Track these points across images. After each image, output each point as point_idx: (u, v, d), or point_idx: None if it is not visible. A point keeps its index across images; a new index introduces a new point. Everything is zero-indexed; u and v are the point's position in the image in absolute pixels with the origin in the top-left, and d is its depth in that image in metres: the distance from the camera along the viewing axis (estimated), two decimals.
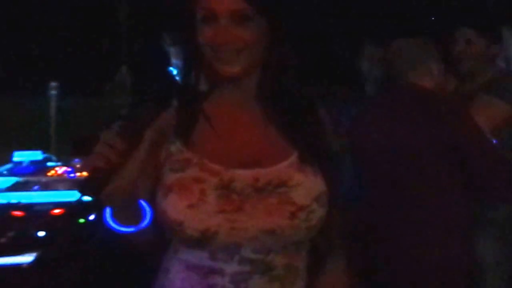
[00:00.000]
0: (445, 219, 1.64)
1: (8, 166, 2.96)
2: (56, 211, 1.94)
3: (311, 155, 1.07)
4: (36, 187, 2.42)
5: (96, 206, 2.00)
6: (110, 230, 1.00)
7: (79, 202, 2.15)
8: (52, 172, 2.82)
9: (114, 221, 0.96)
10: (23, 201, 2.20)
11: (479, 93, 2.08)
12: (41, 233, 1.64)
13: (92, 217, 1.94)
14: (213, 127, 1.10)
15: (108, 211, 0.94)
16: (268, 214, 1.01)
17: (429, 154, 1.65)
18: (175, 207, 0.97)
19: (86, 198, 2.05)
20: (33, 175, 2.70)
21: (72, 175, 2.74)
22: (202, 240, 1.01)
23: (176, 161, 1.04)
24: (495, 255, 2.02)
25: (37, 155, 3.12)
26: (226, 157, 1.04)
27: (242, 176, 1.01)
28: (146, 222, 0.97)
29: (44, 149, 3.33)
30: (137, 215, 0.98)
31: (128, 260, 1.09)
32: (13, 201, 2.20)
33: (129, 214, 0.96)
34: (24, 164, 2.98)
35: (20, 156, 3.06)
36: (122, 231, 0.95)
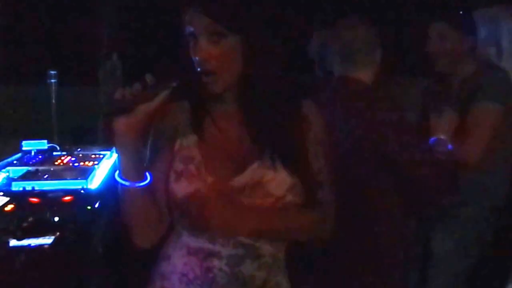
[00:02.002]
0: (376, 212, 1.76)
1: (18, 155, 3.09)
2: (67, 198, 2.15)
3: (281, 152, 1.26)
4: (46, 176, 2.56)
5: (100, 195, 2.27)
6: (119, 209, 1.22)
7: (85, 190, 2.38)
8: (59, 161, 2.98)
9: (120, 177, 1.20)
10: (37, 188, 2.38)
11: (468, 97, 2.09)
12: (56, 218, 1.86)
13: (97, 204, 2.18)
14: (218, 129, 1.28)
15: (117, 171, 1.20)
16: (253, 204, 1.22)
17: (356, 151, 1.70)
18: (185, 189, 1.22)
19: (91, 187, 2.31)
20: (42, 164, 2.83)
21: (76, 164, 2.90)
22: (205, 221, 1.20)
23: (184, 155, 1.27)
24: (448, 249, 2.18)
25: (43, 144, 3.20)
26: (216, 168, 1.24)
27: (228, 185, 1.23)
28: (143, 184, 1.21)
29: (46, 138, 3.34)
30: (137, 176, 1.21)
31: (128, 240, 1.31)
32: (28, 188, 2.39)
33: (134, 171, 1.19)
34: (32, 154, 3.10)
35: (28, 146, 3.16)
36: (125, 184, 1.20)
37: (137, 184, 1.22)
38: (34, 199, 2.13)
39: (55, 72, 3.91)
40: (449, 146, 1.92)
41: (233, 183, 1.24)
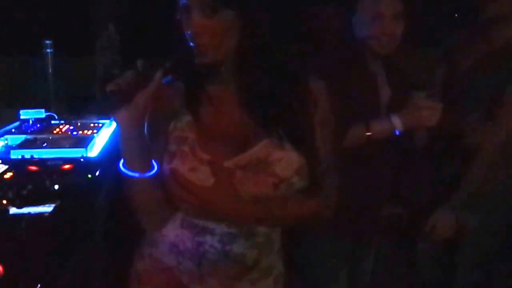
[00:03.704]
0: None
1: (16, 124, 3.00)
2: (66, 166, 2.07)
3: (289, 131, 1.18)
4: (44, 144, 2.47)
5: (100, 163, 2.18)
6: (120, 177, 1.17)
7: (85, 159, 2.29)
8: (57, 130, 2.89)
9: (125, 168, 1.15)
10: (36, 156, 2.30)
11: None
12: (56, 187, 1.78)
13: (97, 173, 2.10)
14: (217, 109, 1.20)
15: (122, 160, 1.13)
16: (254, 184, 1.16)
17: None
18: (180, 169, 1.14)
19: (90, 155, 2.22)
20: (40, 133, 2.74)
21: (74, 133, 2.81)
22: (202, 199, 1.15)
23: (178, 136, 1.20)
24: (476, 226, 2.11)
25: (41, 113, 3.12)
26: (213, 146, 1.17)
27: (228, 164, 1.15)
28: (151, 173, 1.15)
29: (44, 107, 3.24)
30: (144, 166, 1.15)
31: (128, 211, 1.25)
32: (27, 156, 2.31)
33: (140, 161, 1.14)
34: (30, 122, 3.02)
35: (26, 114, 3.08)
36: (131, 175, 1.14)
37: (145, 175, 1.15)
38: (33, 167, 2.04)
39: (51, 41, 3.81)
40: None
41: (236, 160, 1.16)
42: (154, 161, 1.19)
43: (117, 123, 1.10)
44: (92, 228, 1.93)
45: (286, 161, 1.17)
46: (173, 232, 1.24)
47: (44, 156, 2.29)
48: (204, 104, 1.22)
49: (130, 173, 1.15)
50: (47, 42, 3.80)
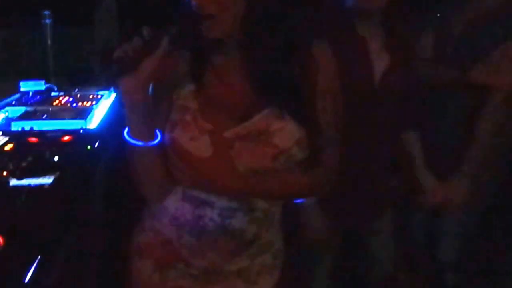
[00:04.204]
0: None
1: (16, 96, 2.99)
2: (66, 138, 2.06)
3: (289, 101, 1.15)
4: (44, 116, 2.47)
5: (99, 135, 2.17)
6: (121, 147, 1.16)
7: (84, 130, 2.28)
8: (57, 101, 2.87)
9: (130, 136, 1.13)
10: (35, 128, 2.29)
11: None
12: (56, 158, 1.78)
13: (96, 144, 2.09)
14: (220, 78, 1.18)
15: (126, 129, 1.12)
16: (252, 155, 1.14)
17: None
18: (180, 138, 1.13)
19: (90, 127, 2.21)
20: (40, 105, 2.73)
21: (74, 104, 2.80)
22: (200, 169, 1.14)
23: (181, 105, 1.18)
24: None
25: (41, 85, 3.11)
26: (215, 116, 1.15)
27: (228, 134, 1.14)
28: (155, 142, 1.14)
29: (44, 79, 3.24)
30: (149, 135, 1.13)
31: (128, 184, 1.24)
32: (27, 128, 2.30)
33: (145, 129, 1.12)
34: (30, 94, 3.00)
35: (26, 86, 3.07)
36: (135, 144, 1.12)
37: (149, 143, 1.13)
38: (33, 139, 2.03)
39: (49, 12, 3.75)
40: None
41: (236, 130, 1.14)
42: (158, 130, 1.17)
43: (122, 90, 1.08)
44: (92, 200, 1.93)
45: (286, 131, 1.14)
46: (174, 204, 1.23)
47: (44, 128, 2.28)
48: (208, 73, 1.19)
49: (134, 142, 1.13)
50: (46, 12, 3.75)
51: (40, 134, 2.14)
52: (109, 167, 2.12)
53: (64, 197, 1.63)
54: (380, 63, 1.65)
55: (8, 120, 2.49)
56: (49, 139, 2.05)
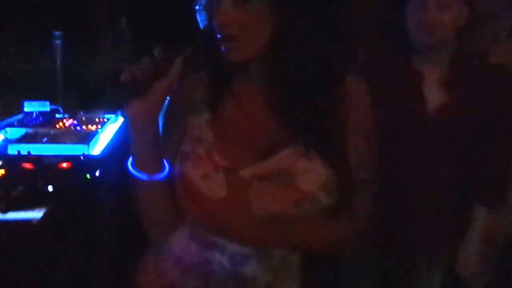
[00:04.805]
0: None
1: (19, 116, 2.83)
2: (64, 164, 1.86)
3: (318, 140, 0.99)
4: (44, 139, 2.31)
5: (101, 162, 1.93)
6: (124, 178, 1.03)
7: (85, 157, 2.08)
8: (60, 124, 2.71)
9: (134, 168, 1.00)
10: (33, 153, 2.11)
11: None
12: (50, 188, 1.57)
13: (97, 173, 1.88)
14: (240, 108, 1.04)
15: (130, 159, 1.00)
16: (272, 199, 0.97)
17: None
18: (191, 174, 0.96)
19: (93, 153, 1.99)
20: (42, 127, 2.58)
21: (78, 128, 2.64)
22: (211, 212, 0.98)
23: (194, 136, 1.02)
24: None
25: (45, 105, 2.95)
26: (232, 151, 1.01)
27: (245, 173, 1.00)
28: (162, 175, 1.01)
29: (52, 100, 3.09)
30: (156, 167, 1.01)
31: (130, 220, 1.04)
32: (24, 152, 2.12)
33: (152, 160, 1.00)
34: (33, 115, 2.84)
35: (30, 107, 2.92)
36: (139, 176, 1.00)
37: (156, 177, 1.00)
38: (28, 165, 1.82)
39: (60, 33, 3.66)
40: None
41: (256, 168, 0.97)
42: (166, 161, 1.03)
43: (129, 116, 0.97)
44: (88, 237, 1.70)
45: (312, 173, 0.99)
46: (179, 244, 1.08)
47: (42, 153, 2.09)
48: (226, 101, 1.05)
49: (138, 174, 1.00)
50: (57, 33, 3.66)
51: (36, 159, 1.94)
52: (110, 199, 1.90)
53: (55, 234, 1.42)
54: (436, 98, 1.48)
55: (6, 142, 2.32)
56: (45, 166, 1.85)
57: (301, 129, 0.99)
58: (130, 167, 1.01)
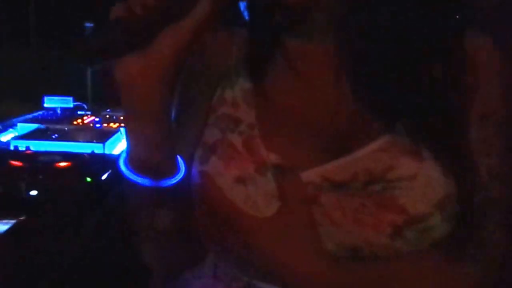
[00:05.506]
0: None
1: (40, 112, 2.65)
2: (62, 164, 1.50)
3: (427, 128, 0.58)
4: (54, 136, 2.04)
5: (112, 164, 1.50)
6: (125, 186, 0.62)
7: (92, 156, 1.72)
8: (79, 120, 2.48)
9: (129, 168, 0.61)
10: (39, 149, 1.81)
11: None
12: (33, 192, 1.20)
13: (104, 176, 1.50)
14: (299, 77, 0.69)
15: (123, 154, 0.62)
16: (354, 223, 0.55)
17: None
18: (220, 178, 0.63)
19: (101, 151, 1.60)
20: (56, 123, 2.34)
21: (98, 125, 2.39)
22: (251, 240, 0.62)
23: (224, 115, 0.60)
24: None
25: (68, 102, 2.76)
26: (285, 141, 0.62)
27: (308, 176, 0.60)
28: (173, 180, 0.63)
29: (82, 98, 2.92)
30: (163, 167, 0.63)
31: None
32: (22, 148, 1.82)
33: (154, 157, 0.61)
34: (56, 111, 2.67)
35: (50, 102, 2.74)
36: (139, 181, 0.62)
37: (163, 182, 0.62)
38: (15, 162, 1.46)
39: (92, 25, 3.43)
40: None
41: (323, 172, 0.59)
42: (181, 159, 0.65)
43: (121, 79, 0.56)
44: (74, 259, 1.30)
45: (423, 182, 0.56)
46: (199, 282, 0.76)
47: (40, 150, 1.78)
48: (278, 67, 0.64)
49: (137, 178, 0.62)
50: (88, 25, 3.44)
51: (30, 156, 1.59)
52: (112, 211, 1.50)
53: (26, 252, 1.02)
54: None
55: (14, 138, 2.09)
56: (39, 165, 1.49)
57: (398, 112, 0.59)
58: (123, 167, 0.62)
